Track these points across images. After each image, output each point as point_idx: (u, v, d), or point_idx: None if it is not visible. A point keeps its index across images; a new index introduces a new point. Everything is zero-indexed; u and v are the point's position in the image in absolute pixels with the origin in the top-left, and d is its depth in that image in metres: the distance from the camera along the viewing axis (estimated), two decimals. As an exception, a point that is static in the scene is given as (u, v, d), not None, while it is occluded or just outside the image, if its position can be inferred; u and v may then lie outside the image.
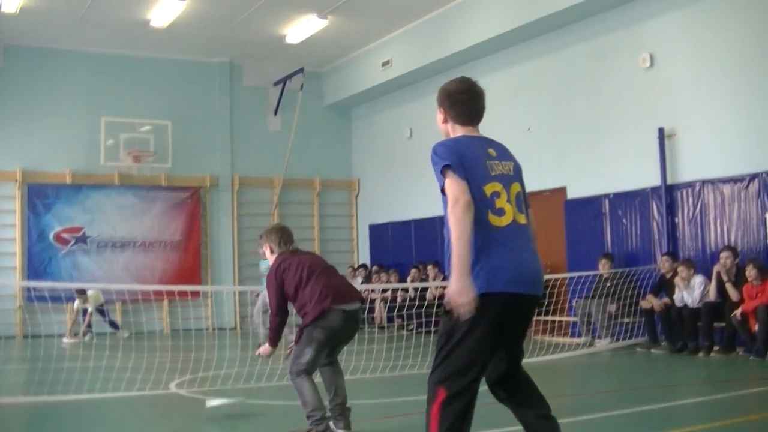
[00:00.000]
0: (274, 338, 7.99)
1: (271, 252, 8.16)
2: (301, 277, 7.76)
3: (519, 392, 5.45)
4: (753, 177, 14.30)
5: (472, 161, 5.22)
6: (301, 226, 23.89)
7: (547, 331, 16.67)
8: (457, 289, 4.86)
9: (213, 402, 9.60)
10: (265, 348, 8.02)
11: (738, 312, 13.23)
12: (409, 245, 22.54)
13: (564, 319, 16.97)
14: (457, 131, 5.56)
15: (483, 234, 5.00)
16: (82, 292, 19.20)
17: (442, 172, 5.16)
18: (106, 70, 21.94)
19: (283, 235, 8.27)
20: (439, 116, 5.69)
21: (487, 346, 4.99)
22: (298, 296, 7.78)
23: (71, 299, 19.27)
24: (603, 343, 15.33)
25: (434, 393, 5.03)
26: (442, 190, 5.14)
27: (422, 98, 22.08)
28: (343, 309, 7.64)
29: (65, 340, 18.70)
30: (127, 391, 10.65)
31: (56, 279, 20.34)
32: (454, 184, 5.04)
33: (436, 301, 18.17)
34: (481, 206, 5.04)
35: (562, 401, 10.23)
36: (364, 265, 23.53)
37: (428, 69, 20.87)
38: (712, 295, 13.96)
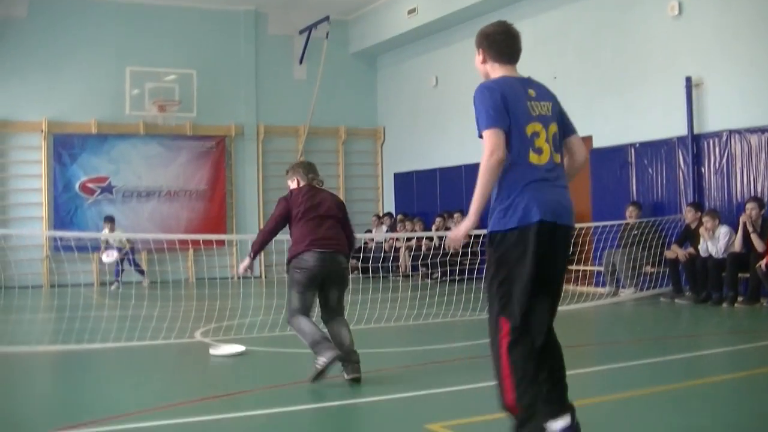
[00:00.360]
0: (255, 252, 8.60)
1: (297, 185, 8.71)
2: (297, 213, 8.32)
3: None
4: (780, 126, 14.18)
5: (514, 102, 5.42)
6: (327, 174, 23.61)
7: (572, 280, 16.65)
8: (465, 226, 5.44)
9: (217, 350, 9.71)
10: (244, 262, 8.58)
11: (763, 263, 13.17)
12: (434, 194, 22.52)
13: (588, 268, 16.95)
14: (496, 71, 5.73)
15: (523, 171, 5.31)
16: (110, 220, 19.64)
17: (483, 122, 5.42)
18: (131, 20, 21.88)
19: (307, 168, 8.88)
20: (478, 58, 5.90)
21: (533, 274, 5.16)
22: (291, 231, 8.38)
23: (97, 249, 19.42)
24: (627, 293, 15.32)
25: (497, 326, 5.25)
26: (480, 136, 5.44)
27: (448, 46, 21.98)
28: (318, 251, 8.04)
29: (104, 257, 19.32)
30: (152, 340, 10.74)
31: (82, 229, 20.46)
32: (493, 137, 5.35)
33: (461, 250, 18.15)
34: (522, 145, 5.34)
35: (585, 350, 10.26)
36: (389, 214, 23.52)
37: (454, 17, 20.74)
38: (737, 245, 13.88)
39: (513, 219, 5.24)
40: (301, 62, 23.88)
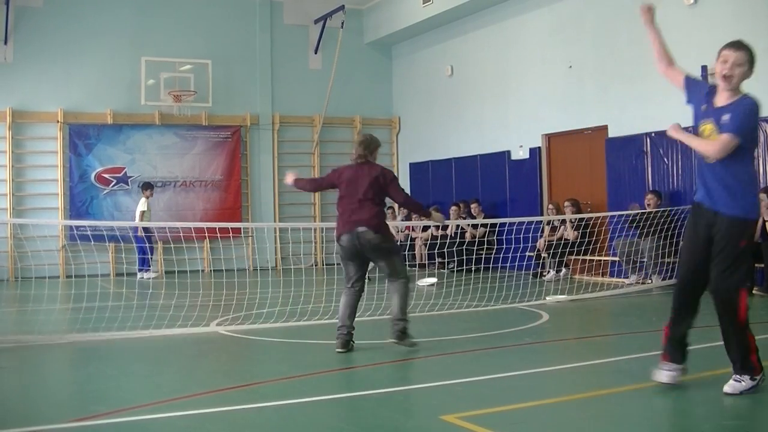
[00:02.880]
0: (300, 181, 10.99)
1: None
2: (339, 191, 9.77)
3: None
4: (799, 114, 14.10)
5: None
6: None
7: (589, 269, 16.62)
8: (683, 136, 7.12)
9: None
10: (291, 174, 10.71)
11: (778, 252, 13.17)
12: (449, 183, 22.51)
13: (604, 258, 16.93)
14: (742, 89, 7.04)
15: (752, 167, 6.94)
16: (149, 187, 19.91)
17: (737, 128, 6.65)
18: (147, 10, 21.90)
19: (361, 144, 9.82)
20: (745, 69, 7.18)
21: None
22: (336, 204, 9.87)
23: (113, 239, 19.46)
24: (656, 282, 15.24)
25: (737, 297, 6.77)
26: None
27: (463, 35, 21.96)
28: (347, 232, 9.36)
29: (146, 275, 19.06)
30: (169, 329, 10.78)
31: (98, 219, 20.48)
32: (731, 144, 6.62)
33: (477, 239, 18.16)
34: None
35: (602, 340, 10.26)
36: (403, 204, 23.50)
37: (469, 6, 20.70)
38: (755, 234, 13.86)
39: (756, 212, 6.87)
40: (316, 52, 23.88)
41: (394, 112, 25.09)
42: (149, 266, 19.51)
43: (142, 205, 19.73)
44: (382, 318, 11.38)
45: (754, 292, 13.60)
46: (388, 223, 9.78)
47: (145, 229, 19.05)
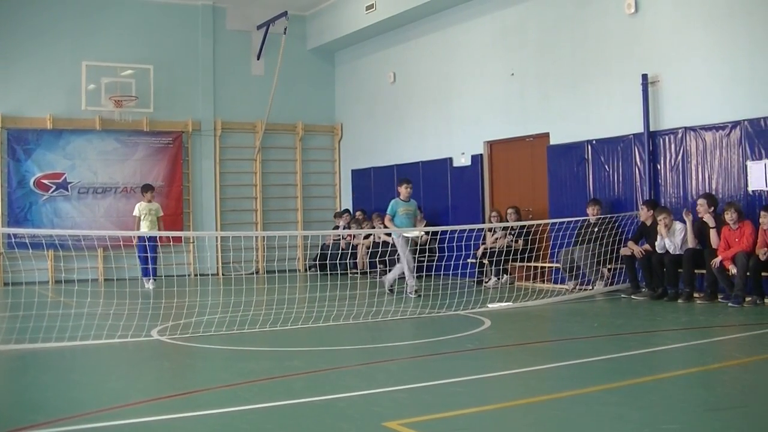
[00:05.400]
0: None
1: None
2: None
3: None
4: (735, 124, 14.31)
5: None
6: (284, 171, 23.90)
7: (530, 277, 16.71)
8: None
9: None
10: None
11: (717, 260, 13.31)
12: (391, 190, 22.48)
13: (546, 265, 17.03)
14: None
15: None
16: (149, 188, 19.29)
17: None
18: (88, 14, 21.64)
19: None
20: None
21: None
22: None
23: (52, 246, 19.12)
24: (597, 289, 15.36)
25: None
26: None
27: (406, 42, 22.01)
28: None
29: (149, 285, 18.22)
30: (109, 339, 10.66)
31: (37, 225, 20.21)
32: None
33: (418, 248, 18.18)
34: None
35: (544, 347, 10.31)
36: (346, 210, 23.51)
37: (412, 13, 20.74)
38: (690, 242, 14.04)
39: None
40: (258, 58, 23.79)
41: (336, 118, 25.06)
42: (150, 275, 18.43)
43: (136, 210, 18.99)
44: (331, 324, 11.37)
45: (695, 296, 13.76)
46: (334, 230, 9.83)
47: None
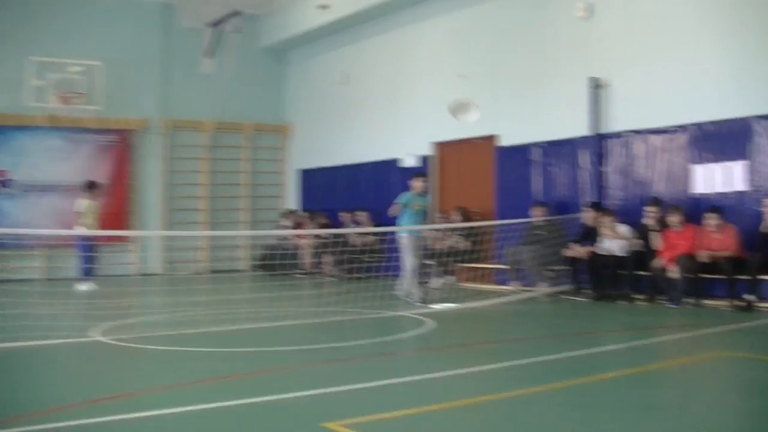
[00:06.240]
0: None
1: None
2: None
3: None
4: (680, 129, 14.48)
5: None
6: (232, 170, 23.78)
7: (476, 278, 16.74)
8: None
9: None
10: None
11: (659, 261, 13.46)
12: (339, 191, 22.50)
13: (492, 266, 17.07)
14: None
15: None
16: (92, 187, 18.25)
17: None
18: (35, 8, 21.35)
19: None
20: None
21: None
22: None
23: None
24: (541, 290, 15.43)
25: None
26: None
27: (358, 42, 22.00)
28: None
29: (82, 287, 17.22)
30: (49, 340, 10.51)
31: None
32: None
33: (365, 247, 18.17)
34: None
35: (487, 348, 10.32)
36: (293, 211, 23.45)
37: (365, 14, 20.79)
38: (635, 244, 14.17)
39: None
40: (210, 56, 23.59)
41: (286, 118, 24.99)
42: (87, 275, 17.70)
43: (79, 206, 18.00)
44: (275, 325, 11.34)
45: (636, 298, 13.89)
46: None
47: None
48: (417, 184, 14.70)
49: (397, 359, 9.20)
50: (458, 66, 18.83)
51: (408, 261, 14.55)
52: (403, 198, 14.67)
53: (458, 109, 14.94)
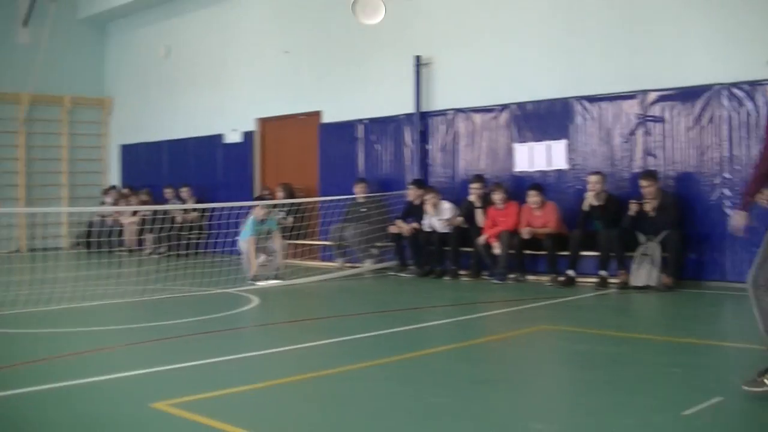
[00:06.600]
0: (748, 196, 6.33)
1: None
2: None
3: None
4: (503, 108, 14.77)
5: None
6: (50, 144, 23.03)
7: (301, 254, 16.72)
8: None
9: None
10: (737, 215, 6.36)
11: (482, 238, 13.72)
12: (161, 166, 22.11)
13: (316, 242, 17.09)
14: None
15: None
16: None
17: None
18: None
19: None
20: None
21: None
22: None
23: None
24: (365, 267, 15.51)
25: None
26: None
27: (181, 16, 21.63)
28: None
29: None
30: None
31: None
32: None
33: (187, 225, 17.92)
34: None
35: (314, 324, 10.33)
36: (114, 187, 22.93)
37: (186, -14, 20.44)
38: (457, 221, 14.39)
39: None
40: (25, 25, 22.76)
41: (106, 92, 24.36)
42: None
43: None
44: (96, 304, 11.09)
45: (461, 274, 14.13)
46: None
47: None
48: (258, 211, 14.40)
49: (224, 337, 9.10)
50: (282, 42, 18.73)
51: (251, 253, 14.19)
52: (247, 225, 14.32)
53: (363, 8, 14.10)
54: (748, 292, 6.07)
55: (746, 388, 5.83)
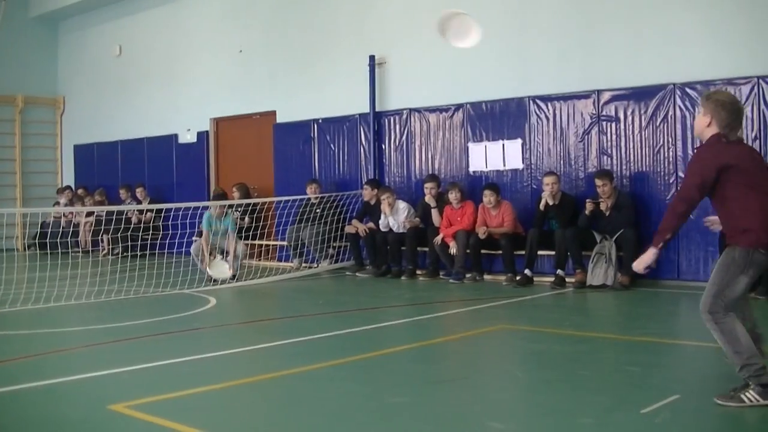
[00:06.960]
0: (666, 234, 6.08)
1: (707, 126, 6.05)
2: (745, 178, 5.92)
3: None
4: (458, 107, 14.83)
5: None
6: (2, 145, 22.83)
7: (257, 255, 16.67)
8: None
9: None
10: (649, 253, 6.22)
11: (439, 238, 13.75)
12: (115, 167, 21.94)
13: (272, 243, 17.05)
14: None
15: None
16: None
17: None
18: None
19: (736, 117, 6.03)
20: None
21: None
22: (727, 203, 5.99)
23: None
24: (322, 267, 15.50)
25: None
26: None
27: (134, 15, 21.50)
28: None
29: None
30: None
31: None
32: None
33: (142, 225, 17.77)
34: None
35: (270, 324, 10.32)
36: (68, 187, 22.73)
37: (139, -15, 20.31)
38: (413, 221, 14.40)
39: None
40: (-26, 24, 22.57)
41: (59, 91, 24.14)
42: None
43: None
44: (52, 305, 10.98)
45: (417, 273, 14.14)
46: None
47: None
48: (213, 211, 14.39)
49: (181, 338, 9.06)
50: (237, 41, 18.68)
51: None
52: (204, 220, 14.44)
53: (449, 29, 11.49)
54: (703, 320, 5.83)
55: (720, 401, 5.75)
